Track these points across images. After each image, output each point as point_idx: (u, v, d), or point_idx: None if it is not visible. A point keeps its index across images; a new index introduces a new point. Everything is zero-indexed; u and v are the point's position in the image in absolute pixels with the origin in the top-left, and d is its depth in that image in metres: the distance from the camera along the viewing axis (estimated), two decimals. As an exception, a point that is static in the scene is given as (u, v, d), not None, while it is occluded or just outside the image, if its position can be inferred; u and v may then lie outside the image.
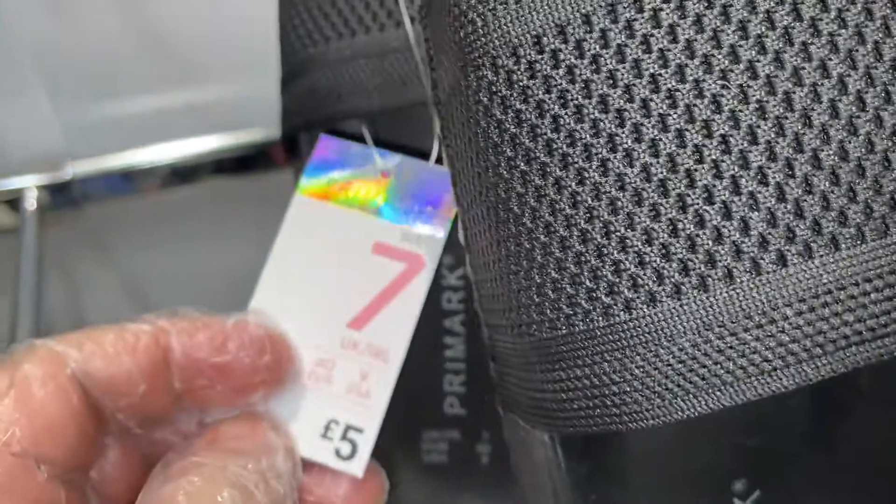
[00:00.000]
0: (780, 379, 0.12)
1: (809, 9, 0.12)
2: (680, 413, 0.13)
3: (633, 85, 0.12)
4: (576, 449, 0.16)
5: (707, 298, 0.12)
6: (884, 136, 0.12)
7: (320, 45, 0.21)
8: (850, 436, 0.16)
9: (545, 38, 0.12)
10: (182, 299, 0.62)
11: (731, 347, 0.12)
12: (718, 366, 0.12)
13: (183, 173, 0.52)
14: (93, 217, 0.54)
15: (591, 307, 0.13)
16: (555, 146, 0.13)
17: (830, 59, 0.12)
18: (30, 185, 0.48)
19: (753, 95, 0.12)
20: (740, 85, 0.12)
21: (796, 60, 0.12)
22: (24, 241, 0.46)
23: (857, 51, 0.12)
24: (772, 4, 0.12)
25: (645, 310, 0.12)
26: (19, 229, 0.46)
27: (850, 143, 0.12)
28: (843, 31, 0.12)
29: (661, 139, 0.12)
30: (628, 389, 0.13)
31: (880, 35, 0.12)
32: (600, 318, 0.13)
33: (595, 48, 0.12)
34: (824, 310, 0.12)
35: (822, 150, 0.12)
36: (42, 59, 0.48)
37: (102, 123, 0.51)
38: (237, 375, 0.20)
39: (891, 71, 0.12)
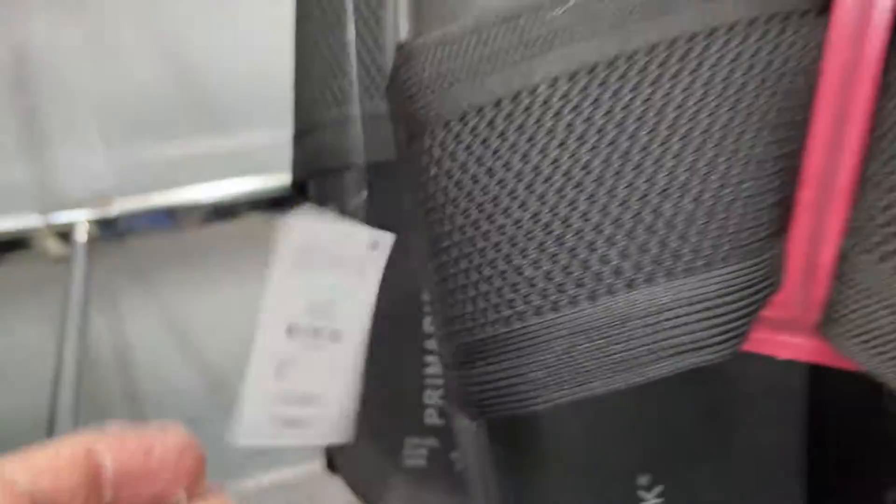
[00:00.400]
0: (623, 380, 0.15)
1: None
2: (556, 399, 0.16)
3: (511, 154, 0.15)
4: (500, 437, 0.19)
5: (576, 312, 0.15)
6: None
7: (324, 110, 0.25)
8: (732, 433, 0.19)
9: (467, 117, 0.16)
10: (218, 328, 0.66)
11: (589, 351, 0.15)
12: (580, 365, 0.15)
13: (222, 211, 0.57)
14: (137, 250, 0.58)
15: (496, 317, 0.16)
16: (473, 195, 0.16)
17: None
18: (81, 219, 0.53)
19: (589, 181, 0.15)
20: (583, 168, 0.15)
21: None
22: (74, 271, 0.50)
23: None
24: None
25: (534, 319, 0.15)
26: (70, 259, 0.51)
27: (646, 216, 0.15)
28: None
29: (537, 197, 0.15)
30: (523, 381, 0.16)
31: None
32: (502, 327, 0.16)
33: (492, 128, 0.16)
34: (644, 329, 0.15)
35: (634, 219, 0.15)
36: (96, 106, 0.53)
37: (149, 164, 0.56)
38: (161, 482, 0.20)
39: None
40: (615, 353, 0.15)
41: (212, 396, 0.70)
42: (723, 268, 0.16)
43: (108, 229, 0.54)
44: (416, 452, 0.30)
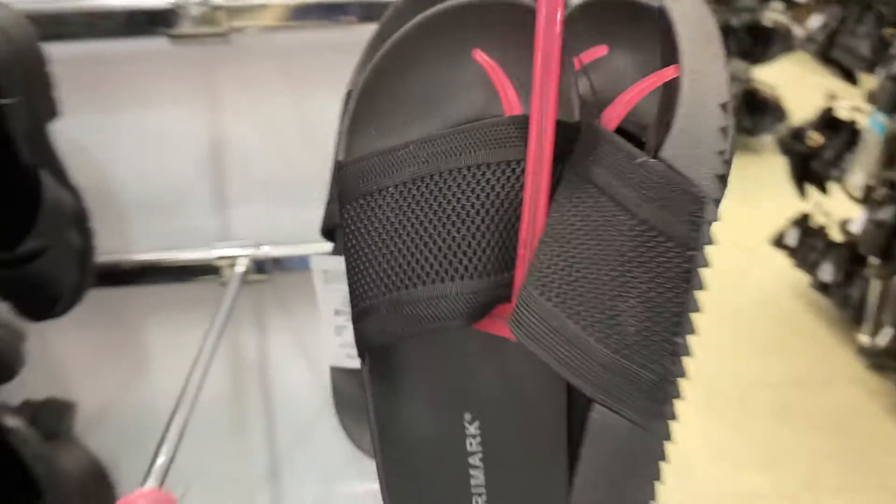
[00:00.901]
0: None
1: None
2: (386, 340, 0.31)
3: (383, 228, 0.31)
4: (377, 371, 0.34)
5: (397, 294, 0.30)
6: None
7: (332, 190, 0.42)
8: (525, 382, 0.33)
9: (361, 199, 0.32)
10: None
11: (400, 316, 0.30)
12: (396, 322, 0.31)
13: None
14: (280, 284, 0.79)
15: (367, 296, 0.32)
16: (360, 236, 0.32)
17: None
18: (242, 255, 0.74)
19: None
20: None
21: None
22: (229, 294, 0.71)
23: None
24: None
25: (380, 298, 0.31)
26: (227, 285, 0.72)
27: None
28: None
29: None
30: (374, 330, 0.31)
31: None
32: (369, 301, 0.31)
33: (370, 206, 0.31)
34: None
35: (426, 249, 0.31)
36: (262, 181, 0.75)
37: (291, 222, 0.76)
38: None
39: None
40: (411, 317, 0.31)
41: (329, 410, 0.88)
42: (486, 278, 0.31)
43: (258, 267, 0.75)
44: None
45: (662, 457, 0.28)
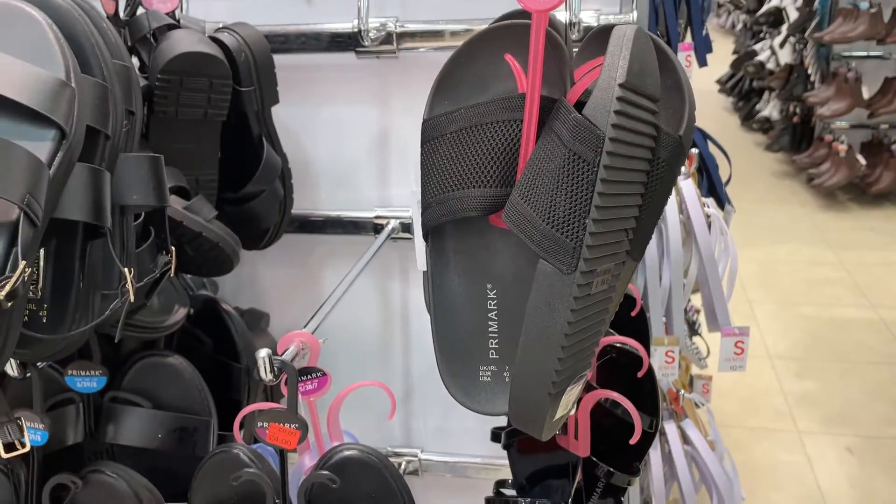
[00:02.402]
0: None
1: None
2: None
3: None
4: (435, 250, 0.55)
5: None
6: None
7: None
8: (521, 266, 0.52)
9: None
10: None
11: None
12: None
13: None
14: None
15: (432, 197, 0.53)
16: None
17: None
18: (394, 216, 0.98)
19: None
20: None
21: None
22: (381, 247, 0.95)
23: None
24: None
25: (440, 197, 0.53)
26: (381, 239, 0.96)
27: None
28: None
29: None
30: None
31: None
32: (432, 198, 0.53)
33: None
34: None
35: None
36: (413, 161, 0.99)
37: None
38: None
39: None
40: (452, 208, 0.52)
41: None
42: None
43: (405, 228, 0.98)
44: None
45: (574, 294, 0.46)
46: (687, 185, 0.97)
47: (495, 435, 0.84)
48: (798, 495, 2.01)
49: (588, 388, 0.72)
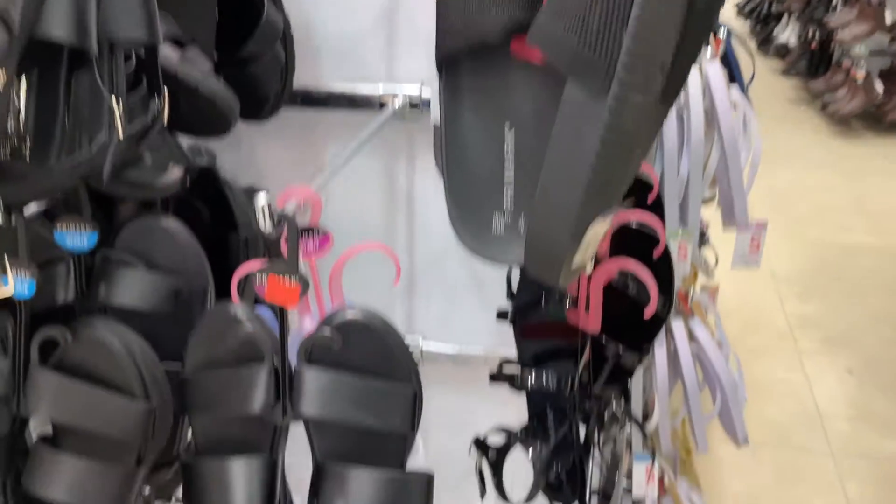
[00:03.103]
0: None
1: None
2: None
3: None
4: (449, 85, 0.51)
5: None
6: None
7: None
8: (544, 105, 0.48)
9: None
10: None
11: None
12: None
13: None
14: (429, 125, 0.97)
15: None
16: None
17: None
18: (401, 92, 0.93)
19: None
20: None
21: None
22: (387, 124, 0.90)
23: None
24: None
25: None
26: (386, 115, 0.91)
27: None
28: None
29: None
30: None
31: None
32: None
33: None
34: None
35: None
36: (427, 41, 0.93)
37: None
38: None
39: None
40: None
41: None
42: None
43: (412, 105, 0.93)
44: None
45: (604, 121, 0.42)
46: (713, 67, 0.92)
47: (500, 314, 0.82)
48: (794, 412, 2.02)
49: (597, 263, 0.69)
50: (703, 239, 1.58)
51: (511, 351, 0.82)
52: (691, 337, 1.10)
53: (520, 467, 0.83)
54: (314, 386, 0.61)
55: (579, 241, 0.45)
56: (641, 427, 0.76)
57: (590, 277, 0.66)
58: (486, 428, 0.80)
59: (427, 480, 0.62)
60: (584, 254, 0.46)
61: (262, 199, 0.55)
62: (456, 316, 1.10)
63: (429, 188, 1.02)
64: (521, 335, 0.77)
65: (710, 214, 1.28)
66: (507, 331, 1.06)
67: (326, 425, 0.62)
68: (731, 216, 1.04)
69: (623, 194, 0.46)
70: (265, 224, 0.56)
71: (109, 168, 0.54)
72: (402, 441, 0.63)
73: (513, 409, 0.84)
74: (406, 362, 0.63)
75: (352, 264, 0.73)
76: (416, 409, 0.63)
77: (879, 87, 3.83)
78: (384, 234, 1.06)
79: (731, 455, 1.81)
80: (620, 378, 0.78)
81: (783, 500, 1.76)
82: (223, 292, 0.72)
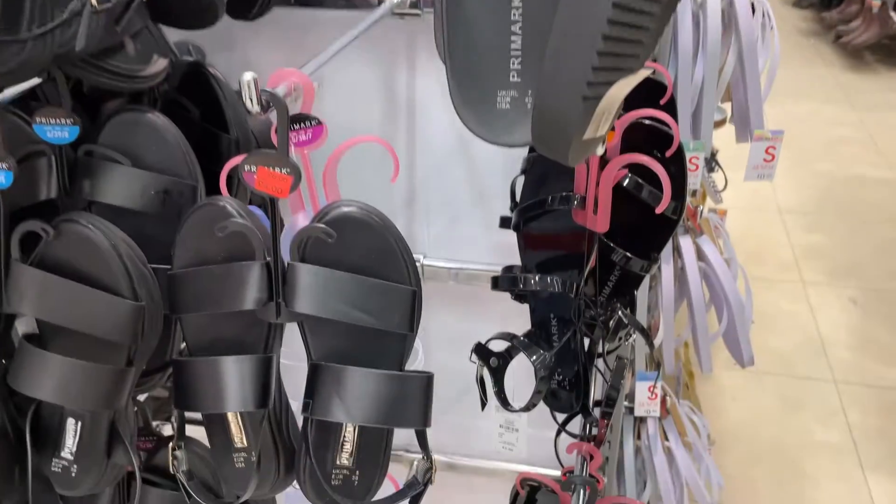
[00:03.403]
0: None
1: None
2: None
3: None
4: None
5: None
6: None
7: None
8: None
9: None
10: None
11: None
12: None
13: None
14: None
15: None
16: None
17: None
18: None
19: None
20: None
21: None
22: (384, 22, 0.85)
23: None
24: None
25: None
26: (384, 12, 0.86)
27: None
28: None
29: None
30: None
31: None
32: None
33: None
34: None
35: None
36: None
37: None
38: None
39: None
40: None
41: (461, 153, 1.02)
42: None
43: (413, 3, 0.88)
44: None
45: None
46: (732, -37, 0.86)
47: (504, 221, 0.79)
48: (798, 342, 2.01)
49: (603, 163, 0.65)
50: (711, 164, 1.54)
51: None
52: (699, 255, 1.07)
53: (520, 380, 0.81)
54: (308, 282, 0.58)
55: (592, 109, 0.41)
56: (647, 336, 0.74)
57: (599, 174, 0.63)
58: (493, 331, 0.77)
59: (426, 381, 0.60)
60: (598, 126, 0.43)
61: (248, 75, 0.51)
62: (457, 233, 1.07)
63: (430, 97, 0.97)
64: (525, 244, 0.74)
65: (720, 138, 1.24)
66: (509, 247, 1.04)
67: (322, 324, 0.60)
68: (745, 129, 1.00)
69: (643, 59, 0.41)
70: (252, 103, 0.52)
71: (84, 35, 0.50)
72: (400, 342, 0.61)
73: (514, 326, 0.82)
74: (405, 260, 0.60)
75: (347, 174, 0.69)
76: (415, 309, 0.61)
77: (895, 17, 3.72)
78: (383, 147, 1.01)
79: (734, 382, 1.81)
80: (626, 288, 0.75)
81: (785, 426, 1.76)
82: (213, 193, 0.69)
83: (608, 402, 0.67)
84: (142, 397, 0.82)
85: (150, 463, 0.80)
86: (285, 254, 0.59)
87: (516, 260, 0.84)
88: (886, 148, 3.03)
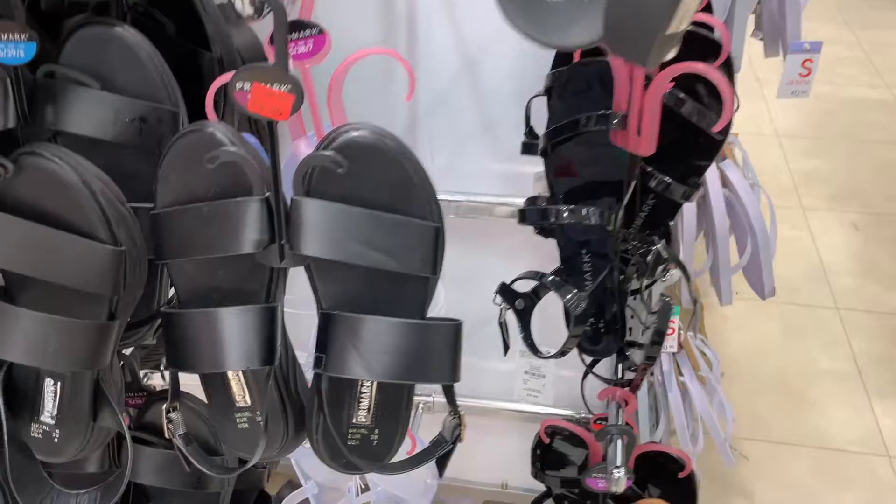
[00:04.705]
0: None
1: None
2: None
3: None
4: None
5: None
6: None
7: None
8: None
9: None
10: None
11: None
12: None
13: None
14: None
15: None
16: None
17: None
18: None
19: None
20: None
21: None
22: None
23: None
24: None
25: None
26: None
27: None
28: None
29: None
30: None
31: None
32: None
33: None
34: None
35: None
36: None
37: None
38: None
39: None
40: None
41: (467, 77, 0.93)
42: None
43: None
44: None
45: None
46: None
47: (526, 146, 0.70)
48: (800, 268, 1.97)
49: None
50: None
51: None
52: (724, 181, 0.99)
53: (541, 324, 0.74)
54: (316, 220, 0.50)
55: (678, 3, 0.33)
56: (686, 271, 0.67)
57: (645, 87, 0.55)
58: (495, 284, 0.70)
59: (454, 330, 0.53)
60: (682, 18, 0.34)
61: (239, -30, 0.42)
62: (463, 166, 0.98)
63: (432, 11, 0.87)
64: (555, 172, 0.66)
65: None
66: (517, 178, 0.96)
67: (333, 268, 0.52)
68: (775, 42, 0.92)
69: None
70: (243, 4, 0.43)
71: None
72: (422, 286, 0.54)
73: (524, 262, 0.75)
74: (426, 191, 0.52)
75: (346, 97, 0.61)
76: (438, 248, 0.53)
77: (895, -71, 3.57)
78: (381, 70, 0.92)
79: (737, 310, 1.76)
80: (661, 218, 0.68)
81: (790, 354, 1.73)
82: (196, 120, 0.60)
83: (653, 346, 0.61)
84: (128, 351, 0.75)
85: (142, 421, 0.73)
86: (286, 188, 0.51)
87: (528, 192, 0.77)
88: (883, 67, 2.94)
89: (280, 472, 1.01)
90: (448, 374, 0.52)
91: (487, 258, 1.02)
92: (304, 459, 0.84)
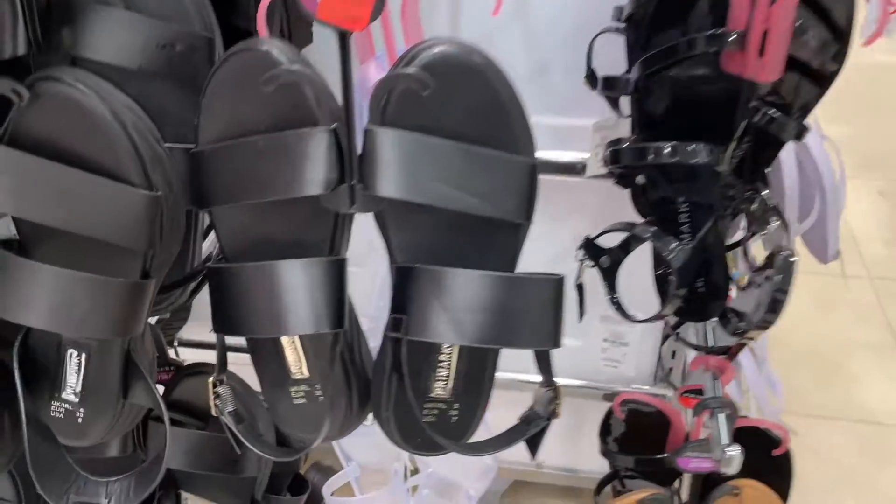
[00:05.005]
0: None
1: None
2: None
3: None
4: None
5: None
6: None
7: None
8: None
9: None
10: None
11: None
12: None
13: None
14: None
15: None
16: None
17: None
18: None
19: None
20: None
21: None
22: None
23: None
24: None
25: None
26: None
27: None
28: None
29: None
30: None
31: None
32: None
33: None
34: None
35: None
36: None
37: None
38: None
39: None
40: None
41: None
42: None
43: None
44: None
45: None
46: None
47: (608, 81, 0.61)
48: (829, 237, 1.91)
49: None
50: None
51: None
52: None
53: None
54: (396, 155, 0.42)
55: None
56: (785, 224, 0.59)
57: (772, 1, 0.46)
58: (542, 237, 0.62)
59: (557, 285, 0.45)
60: None
61: None
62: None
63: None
64: (647, 107, 0.57)
65: None
66: (569, 132, 0.87)
67: (412, 213, 0.44)
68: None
69: None
70: None
71: None
72: (513, 235, 0.46)
73: (570, 223, 0.66)
74: (521, 120, 0.44)
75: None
76: (532, 190, 0.45)
77: None
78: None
79: (769, 282, 1.69)
80: (761, 162, 0.60)
81: (824, 326, 1.66)
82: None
83: (772, 309, 0.53)
84: (152, 320, 0.67)
85: (170, 398, 0.65)
86: (360, 107, 0.43)
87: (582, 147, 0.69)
88: (900, 33, 2.87)
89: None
90: (550, 338, 0.44)
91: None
92: (346, 438, 0.76)
